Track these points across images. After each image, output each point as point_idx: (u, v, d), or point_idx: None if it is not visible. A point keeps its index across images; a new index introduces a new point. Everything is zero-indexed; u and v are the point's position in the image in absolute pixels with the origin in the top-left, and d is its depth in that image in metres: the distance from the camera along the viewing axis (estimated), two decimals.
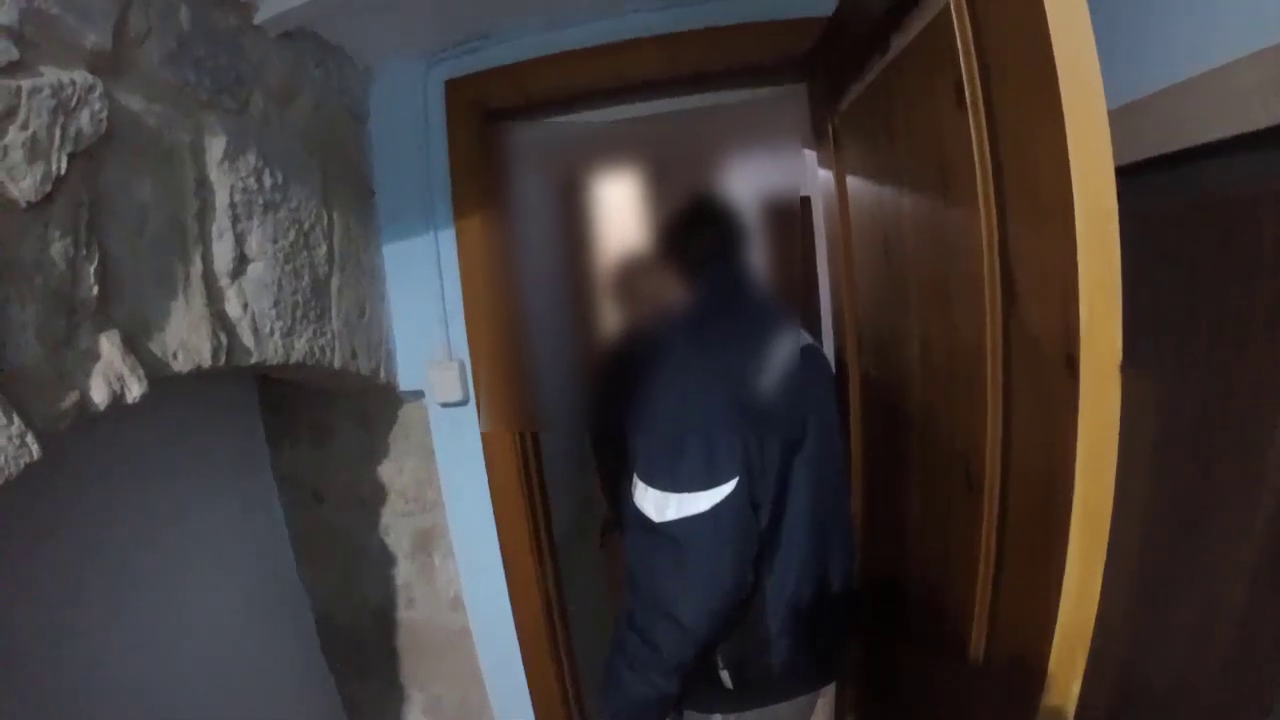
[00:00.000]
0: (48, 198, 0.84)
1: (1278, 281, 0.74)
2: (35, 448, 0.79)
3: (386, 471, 1.86)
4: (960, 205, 0.87)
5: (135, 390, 0.96)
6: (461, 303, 1.74)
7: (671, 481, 1.12)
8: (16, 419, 0.78)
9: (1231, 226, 0.81)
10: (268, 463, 1.91)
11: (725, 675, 1.29)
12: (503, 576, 1.85)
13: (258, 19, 1.24)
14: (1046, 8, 0.62)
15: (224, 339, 1.17)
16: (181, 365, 1.07)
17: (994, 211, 0.79)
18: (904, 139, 1.09)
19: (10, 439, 0.76)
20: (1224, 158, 0.80)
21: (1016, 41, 0.69)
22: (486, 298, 1.71)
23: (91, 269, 0.92)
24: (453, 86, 1.69)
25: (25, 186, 0.81)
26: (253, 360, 1.25)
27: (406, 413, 1.83)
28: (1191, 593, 0.89)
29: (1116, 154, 0.62)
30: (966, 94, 0.81)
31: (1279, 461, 0.75)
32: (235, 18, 1.22)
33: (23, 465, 0.77)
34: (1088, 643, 0.70)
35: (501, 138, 1.70)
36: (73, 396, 0.88)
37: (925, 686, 1.20)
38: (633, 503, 1.17)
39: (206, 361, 1.12)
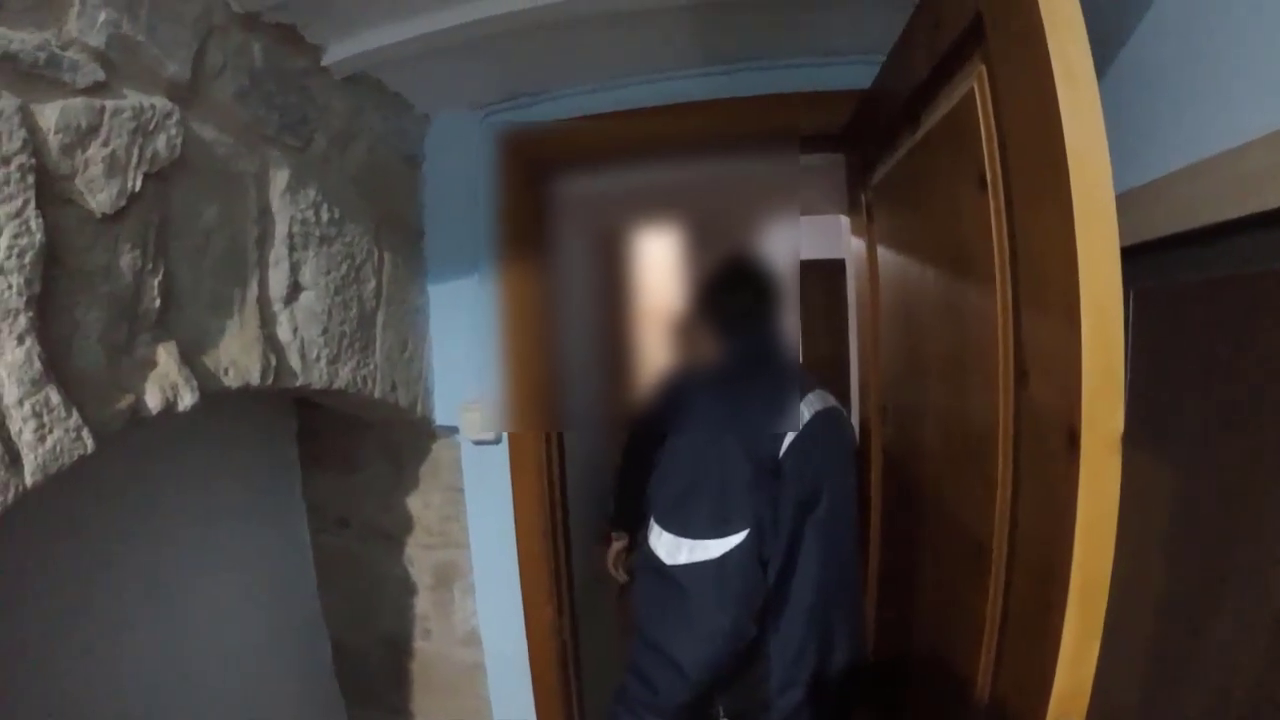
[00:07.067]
0: (121, 212, 0.91)
1: None
2: (90, 442, 0.83)
3: (414, 504, 1.89)
4: (978, 285, 0.89)
5: (187, 399, 1.01)
6: (499, 344, 1.78)
7: (685, 527, 1.15)
8: (75, 413, 0.82)
9: (1245, 305, 0.81)
10: (299, 487, 1.95)
11: None
12: (520, 618, 1.85)
13: (325, 61, 1.32)
14: (1060, 98, 0.64)
15: (273, 360, 1.22)
16: (232, 381, 1.12)
17: (1009, 292, 0.81)
18: (929, 216, 1.12)
19: (68, 431, 0.81)
20: (1237, 237, 0.81)
21: (1032, 129, 0.71)
22: (523, 341, 1.76)
23: (156, 282, 0.97)
24: (503, 138, 1.75)
25: (102, 199, 0.87)
26: (298, 383, 1.30)
27: (438, 449, 1.86)
28: (1202, 676, 0.87)
29: (1132, 233, 0.63)
30: (988, 178, 0.83)
31: None
32: (305, 60, 1.30)
33: (76, 457, 0.82)
34: (1084, 708, 0.70)
35: (547, 190, 1.76)
36: (128, 399, 0.92)
37: None
38: (646, 545, 1.20)
39: (255, 380, 1.18)
